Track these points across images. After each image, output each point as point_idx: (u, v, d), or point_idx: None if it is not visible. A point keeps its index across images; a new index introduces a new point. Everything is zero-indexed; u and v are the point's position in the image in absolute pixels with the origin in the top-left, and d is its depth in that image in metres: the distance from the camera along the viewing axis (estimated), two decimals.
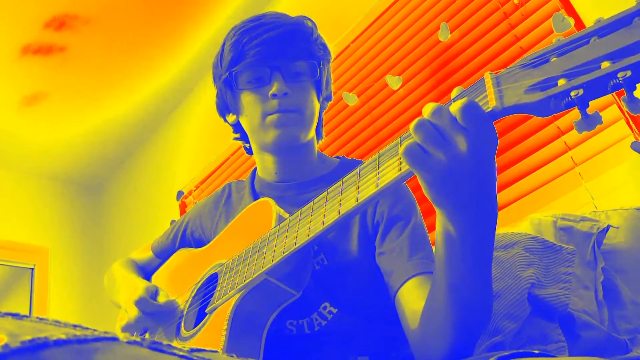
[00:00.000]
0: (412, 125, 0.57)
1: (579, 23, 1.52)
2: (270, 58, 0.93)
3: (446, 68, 1.86)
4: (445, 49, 1.87)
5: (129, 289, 1.04)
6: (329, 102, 1.08)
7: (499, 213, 1.61)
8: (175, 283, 1.05)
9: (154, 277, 1.18)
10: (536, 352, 0.60)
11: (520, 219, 1.32)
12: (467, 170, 0.56)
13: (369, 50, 2.12)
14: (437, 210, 0.62)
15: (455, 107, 0.54)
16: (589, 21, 1.52)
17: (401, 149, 0.57)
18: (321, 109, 1.04)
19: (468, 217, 0.60)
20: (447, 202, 0.59)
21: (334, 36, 2.21)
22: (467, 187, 0.57)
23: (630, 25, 0.44)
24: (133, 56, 2.73)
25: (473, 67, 1.78)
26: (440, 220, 0.63)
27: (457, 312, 0.66)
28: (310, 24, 0.99)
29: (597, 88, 0.45)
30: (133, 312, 0.95)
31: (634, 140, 1.37)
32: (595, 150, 1.46)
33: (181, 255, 1.12)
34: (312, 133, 1.01)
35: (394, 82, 1.98)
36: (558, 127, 1.54)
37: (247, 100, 0.96)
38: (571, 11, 1.56)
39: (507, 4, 1.72)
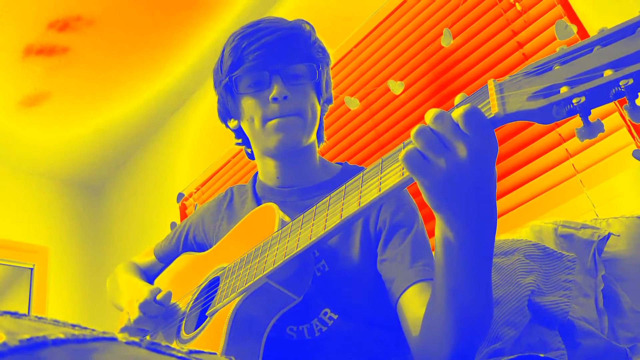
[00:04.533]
0: (412, 131, 0.57)
1: (582, 30, 1.53)
2: (269, 62, 0.93)
3: (448, 74, 1.86)
4: (448, 54, 1.88)
5: (132, 292, 1.04)
6: (330, 105, 1.08)
7: (500, 220, 1.61)
8: (178, 287, 1.05)
9: (156, 280, 1.18)
10: (541, 355, 0.60)
11: (521, 226, 1.31)
12: (467, 177, 0.56)
13: (372, 55, 2.13)
14: (437, 217, 0.62)
15: (457, 114, 0.54)
16: (592, 28, 1.53)
17: (401, 155, 0.57)
18: (322, 112, 1.05)
19: (467, 223, 0.59)
20: (446, 208, 0.59)
21: (336, 40, 2.22)
22: (466, 194, 0.57)
23: (633, 35, 0.45)
24: (135, 58, 2.74)
25: (475, 73, 1.79)
26: (439, 227, 0.63)
27: (457, 319, 0.66)
28: (308, 27, 1.00)
29: (600, 96, 0.45)
30: (134, 314, 0.95)
31: (636, 148, 1.37)
32: (597, 158, 1.46)
33: (184, 259, 1.12)
34: (314, 136, 1.01)
35: (396, 87, 1.98)
36: (559, 135, 1.55)
37: (248, 104, 0.96)
38: (574, 18, 1.56)
39: (510, 11, 1.72)
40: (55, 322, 0.38)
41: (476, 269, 0.63)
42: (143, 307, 0.94)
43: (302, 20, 1.00)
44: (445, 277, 0.65)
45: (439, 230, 0.63)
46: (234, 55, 0.95)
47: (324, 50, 1.01)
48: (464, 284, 0.64)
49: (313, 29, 1.00)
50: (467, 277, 0.63)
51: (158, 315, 0.96)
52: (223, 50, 1.00)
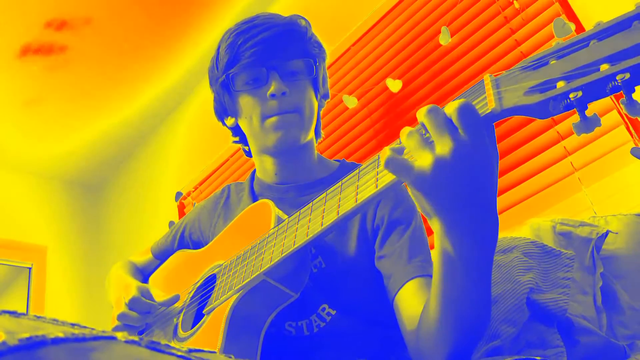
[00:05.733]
0: (402, 132, 0.56)
1: (580, 28, 1.53)
2: (266, 58, 0.93)
3: (446, 72, 1.86)
4: (446, 52, 1.88)
5: (120, 288, 1.04)
6: (327, 100, 1.08)
7: (499, 217, 1.61)
8: (174, 284, 1.05)
9: (152, 277, 1.18)
10: (538, 359, 0.59)
11: (520, 224, 1.31)
12: (456, 175, 0.53)
13: (370, 53, 2.13)
14: (433, 226, 0.60)
15: (450, 109, 0.53)
16: (590, 26, 1.52)
17: (384, 162, 0.56)
18: (319, 107, 1.04)
19: (464, 231, 0.57)
20: (439, 211, 0.57)
21: (334, 38, 2.21)
22: (458, 195, 0.55)
23: (629, 29, 0.44)
24: (133, 57, 2.73)
25: (473, 71, 1.79)
26: (436, 238, 0.61)
27: (453, 324, 0.65)
28: (304, 22, 0.99)
29: (596, 90, 0.45)
30: (120, 310, 0.94)
31: (634, 146, 1.37)
32: (595, 156, 1.46)
33: (180, 256, 1.12)
34: (312, 133, 1.01)
35: (394, 85, 1.98)
36: (558, 132, 1.55)
37: (245, 102, 0.96)
38: (572, 16, 1.56)
39: (508, 9, 1.72)
40: (55, 321, 0.38)
41: (475, 279, 0.62)
42: (131, 304, 0.93)
43: (298, 15, 1.00)
44: (442, 288, 0.64)
45: (437, 241, 0.61)
46: (230, 52, 0.95)
47: (320, 45, 1.01)
48: (462, 294, 0.63)
49: (309, 24, 1.00)
50: (466, 288, 0.62)
51: (149, 311, 0.95)
52: (218, 48, 0.99)
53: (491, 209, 0.58)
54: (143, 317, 0.95)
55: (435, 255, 0.63)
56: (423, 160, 0.54)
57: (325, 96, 1.06)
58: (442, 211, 0.57)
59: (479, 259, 0.60)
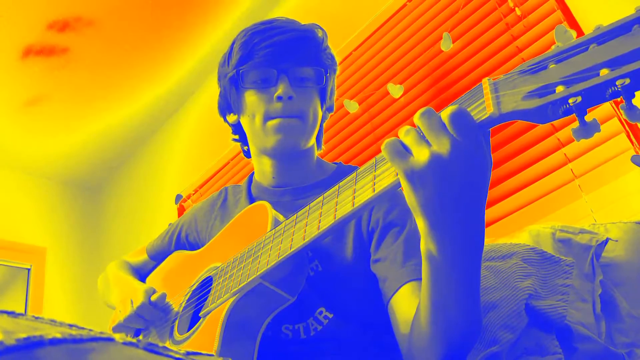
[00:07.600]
0: (400, 131, 0.56)
1: (581, 35, 1.53)
2: (278, 60, 0.93)
3: (448, 78, 1.86)
4: (447, 58, 1.88)
5: (125, 290, 1.04)
6: (331, 114, 1.09)
7: (498, 224, 1.61)
8: (170, 285, 1.05)
9: (148, 279, 1.18)
10: None
11: (519, 230, 1.31)
12: (447, 176, 0.54)
13: (371, 58, 2.13)
14: (419, 223, 0.60)
15: (445, 114, 0.54)
16: None
17: (383, 144, 0.56)
18: (323, 118, 1.05)
19: (448, 234, 0.57)
20: (425, 209, 0.56)
21: (336, 43, 2.21)
22: (446, 198, 0.55)
23: (629, 33, 0.44)
24: (135, 59, 2.74)
25: (474, 77, 1.79)
26: (422, 239, 0.61)
27: (442, 328, 0.65)
28: (321, 32, 1.00)
29: (595, 95, 0.45)
30: (127, 311, 0.95)
31: (635, 153, 1.37)
32: (596, 163, 1.46)
33: (176, 258, 1.12)
34: (313, 140, 1.01)
35: (395, 90, 1.98)
36: (558, 139, 1.54)
37: (251, 99, 0.96)
38: (573, 24, 1.56)
39: (509, 16, 1.73)
40: (52, 322, 0.38)
41: (461, 283, 0.61)
42: (140, 310, 0.94)
43: (316, 25, 1.01)
44: (428, 291, 0.64)
45: (422, 242, 0.61)
46: (243, 49, 0.96)
47: (333, 58, 1.02)
48: (449, 300, 0.63)
49: (326, 35, 1.01)
50: (451, 291, 0.62)
51: (153, 318, 0.96)
52: (232, 44, 1.00)
53: (478, 214, 0.58)
54: (146, 320, 0.96)
55: (422, 257, 0.63)
56: (420, 154, 0.54)
57: (330, 109, 1.07)
58: (428, 207, 0.56)
59: (462, 261, 0.60)
